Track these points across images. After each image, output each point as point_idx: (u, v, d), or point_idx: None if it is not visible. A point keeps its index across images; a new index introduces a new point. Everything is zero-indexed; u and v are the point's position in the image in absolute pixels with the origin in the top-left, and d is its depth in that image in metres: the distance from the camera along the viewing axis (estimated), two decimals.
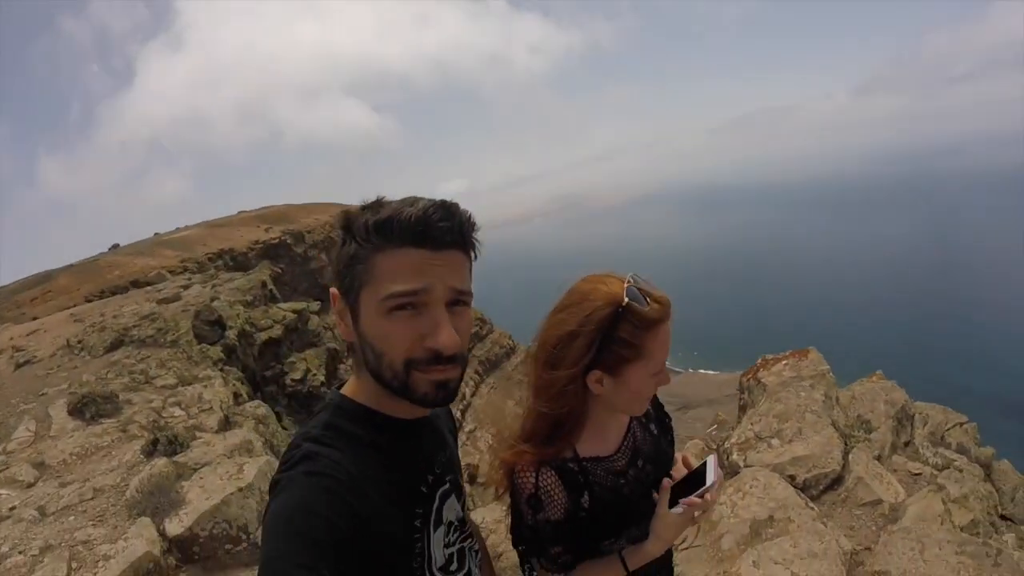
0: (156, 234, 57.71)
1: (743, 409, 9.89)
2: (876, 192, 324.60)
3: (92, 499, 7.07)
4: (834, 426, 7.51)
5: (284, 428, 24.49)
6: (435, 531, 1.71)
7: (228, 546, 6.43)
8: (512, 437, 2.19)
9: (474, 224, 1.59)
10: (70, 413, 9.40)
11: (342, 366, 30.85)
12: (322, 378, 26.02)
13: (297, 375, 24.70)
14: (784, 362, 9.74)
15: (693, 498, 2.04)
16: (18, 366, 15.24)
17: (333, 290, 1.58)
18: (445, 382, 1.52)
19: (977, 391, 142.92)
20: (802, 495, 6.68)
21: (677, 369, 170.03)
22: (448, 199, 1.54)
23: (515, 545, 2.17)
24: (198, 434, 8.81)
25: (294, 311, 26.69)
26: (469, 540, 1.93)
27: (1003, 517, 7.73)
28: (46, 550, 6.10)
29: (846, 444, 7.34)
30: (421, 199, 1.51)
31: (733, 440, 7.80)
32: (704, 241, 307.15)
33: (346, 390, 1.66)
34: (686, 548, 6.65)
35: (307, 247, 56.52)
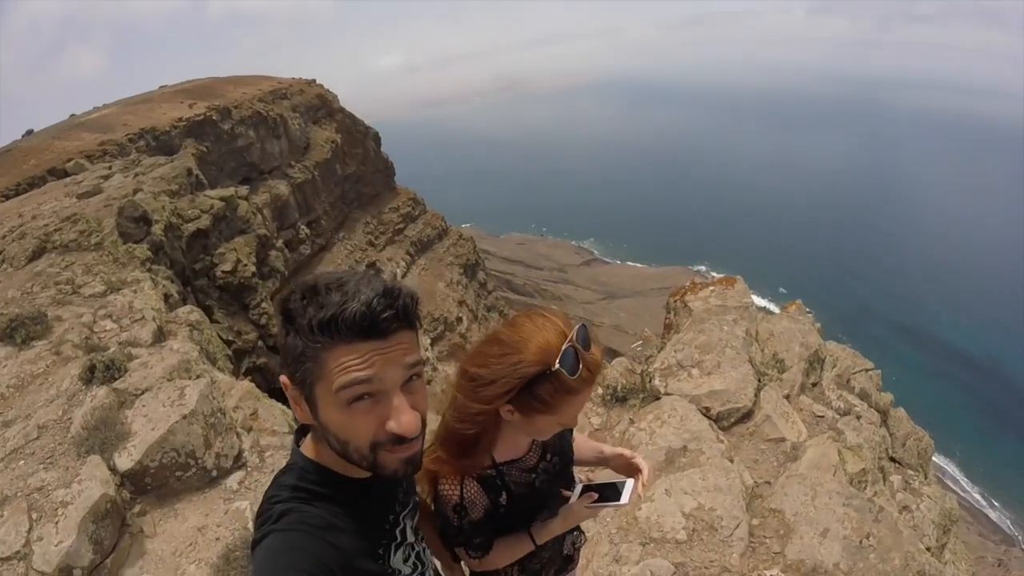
0: (72, 115, 53.77)
1: (668, 328, 10.39)
2: (818, 110, 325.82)
3: (38, 439, 7.04)
4: (751, 363, 8.02)
5: (216, 322, 24.46)
6: (397, 552, 1.88)
7: (178, 473, 6.61)
8: (432, 443, 2.41)
9: (417, 299, 1.61)
10: (0, 340, 9.22)
11: (272, 253, 30.47)
12: (253, 268, 25.72)
13: (227, 267, 24.41)
14: (711, 288, 10.21)
15: (604, 507, 2.47)
16: None
17: (283, 378, 1.63)
18: (411, 457, 1.59)
19: (883, 313, 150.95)
20: (715, 427, 7.26)
21: (606, 259, 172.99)
22: (388, 282, 1.58)
23: (441, 539, 2.47)
24: (133, 352, 8.77)
25: (222, 199, 26.00)
26: (421, 539, 2.12)
27: (892, 459, 8.54)
28: (3, 503, 6.14)
29: (759, 381, 7.90)
30: (361, 286, 1.51)
31: (656, 365, 8.28)
32: (644, 136, 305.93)
33: (307, 451, 1.72)
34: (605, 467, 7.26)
35: (234, 123, 53.75)
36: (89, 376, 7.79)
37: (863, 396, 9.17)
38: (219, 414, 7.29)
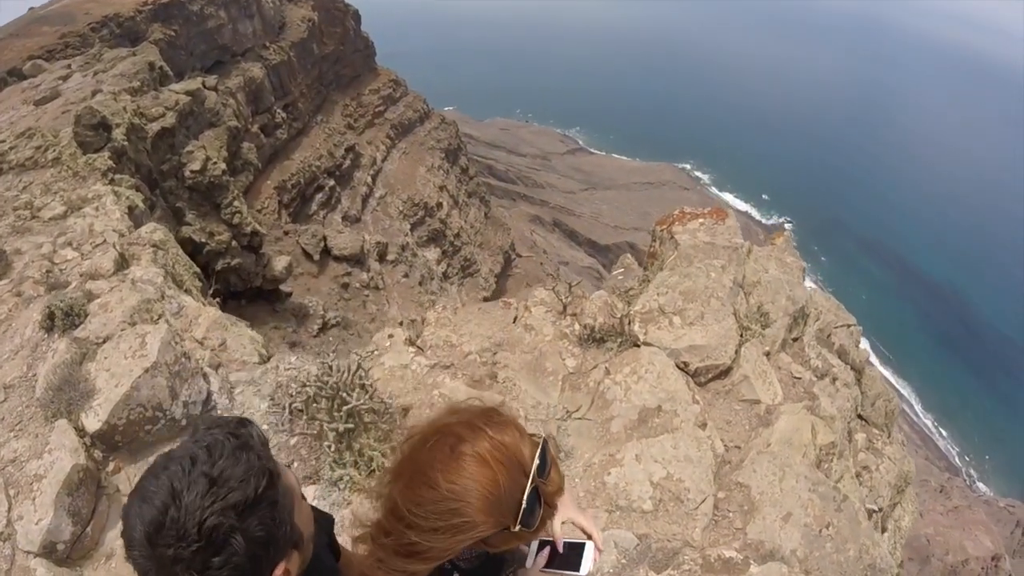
0: (31, 9, 50.66)
1: (652, 257, 10.12)
2: (823, 20, 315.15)
3: (5, 400, 6.93)
4: (735, 315, 7.80)
5: (187, 224, 23.97)
6: None
7: (148, 427, 6.46)
8: (372, 539, 1.93)
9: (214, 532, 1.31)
10: None
11: (245, 145, 29.63)
12: (223, 166, 24.94)
13: (196, 166, 23.52)
14: (700, 220, 9.86)
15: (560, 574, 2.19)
16: None
17: None
18: None
19: (857, 230, 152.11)
20: (691, 385, 7.11)
21: (591, 150, 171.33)
22: (167, 509, 1.30)
23: None
24: (93, 290, 8.51)
25: (188, 92, 24.87)
26: None
27: (860, 416, 8.55)
28: None
29: (741, 336, 7.71)
30: (134, 514, 1.31)
31: (637, 307, 8.01)
32: (640, 23, 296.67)
33: None
34: (578, 419, 7.23)
35: (203, 3, 51.06)
36: (49, 324, 7.56)
37: (841, 353, 9.08)
38: (183, 359, 7.07)
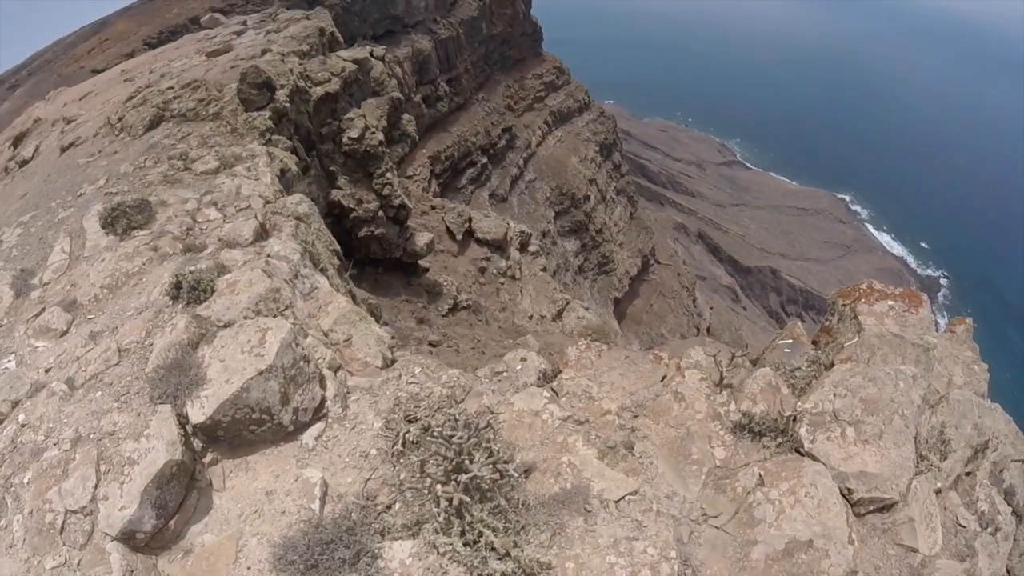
0: None
1: (826, 333, 8.96)
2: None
3: (118, 364, 6.95)
4: (915, 441, 6.72)
5: (339, 188, 24.24)
6: None
7: (252, 428, 6.31)
8: None
9: None
10: (103, 227, 8.95)
11: (404, 117, 29.81)
12: (381, 136, 25.03)
13: (354, 133, 23.61)
14: (890, 303, 8.60)
15: None
16: (63, 150, 14.89)
17: None
18: None
19: (1010, 291, 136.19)
20: (849, 520, 6.09)
21: (748, 164, 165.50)
22: None
23: None
24: (226, 261, 8.33)
25: (355, 61, 24.91)
26: None
27: (1007, 571, 7.25)
28: (76, 443, 6.11)
29: (917, 466, 6.60)
30: None
31: (808, 405, 7.00)
32: (820, 39, 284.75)
33: None
34: (715, 527, 6.28)
35: None
36: (176, 293, 7.58)
37: (1010, 494, 7.74)
38: (302, 363, 6.78)
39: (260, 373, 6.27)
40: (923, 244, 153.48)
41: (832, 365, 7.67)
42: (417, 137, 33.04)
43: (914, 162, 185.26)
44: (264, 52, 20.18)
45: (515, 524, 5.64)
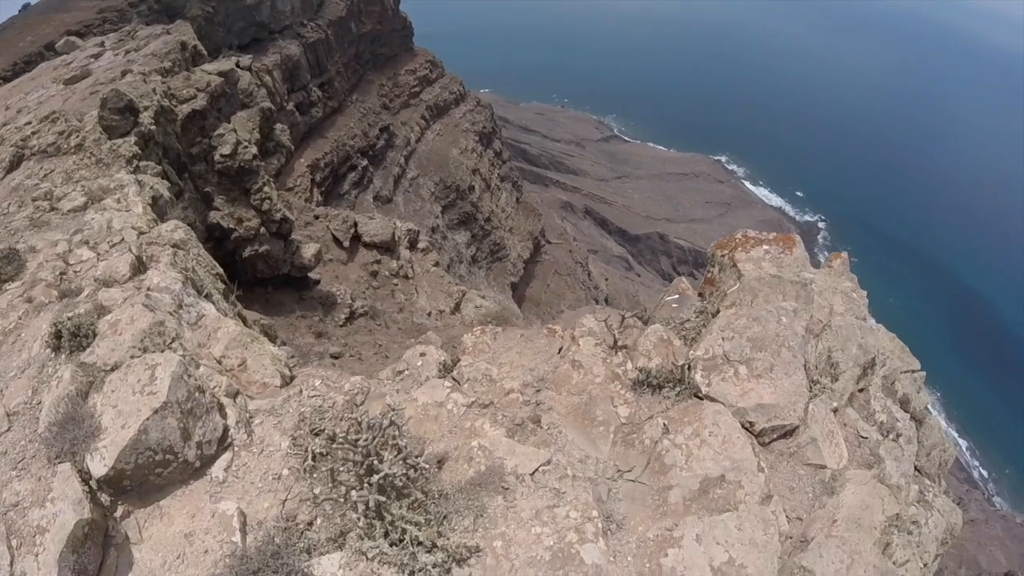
0: None
1: (709, 284, 9.32)
2: (875, 16, 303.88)
3: (8, 430, 6.65)
4: (805, 368, 7.11)
5: (216, 209, 23.46)
6: None
7: (159, 470, 6.08)
8: None
9: None
10: None
11: (278, 127, 29.12)
12: (254, 150, 24.34)
13: (227, 149, 22.83)
14: (765, 247, 9.02)
15: None
16: None
17: None
18: None
19: (886, 229, 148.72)
20: (756, 450, 6.41)
21: (626, 137, 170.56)
22: None
23: None
24: (105, 301, 7.99)
25: (220, 73, 24.07)
26: None
27: (916, 469, 7.84)
28: None
29: (811, 391, 7.01)
30: None
31: (700, 352, 7.27)
32: (680, 11, 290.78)
33: None
34: (631, 480, 6.51)
35: None
36: (56, 343, 7.22)
37: (904, 403, 8.34)
38: (197, 394, 6.58)
39: (156, 412, 6.05)
40: (798, 193, 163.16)
41: (718, 312, 7.97)
42: (293, 147, 32.39)
43: (782, 119, 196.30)
44: (124, 73, 19.29)
45: (436, 515, 5.67)
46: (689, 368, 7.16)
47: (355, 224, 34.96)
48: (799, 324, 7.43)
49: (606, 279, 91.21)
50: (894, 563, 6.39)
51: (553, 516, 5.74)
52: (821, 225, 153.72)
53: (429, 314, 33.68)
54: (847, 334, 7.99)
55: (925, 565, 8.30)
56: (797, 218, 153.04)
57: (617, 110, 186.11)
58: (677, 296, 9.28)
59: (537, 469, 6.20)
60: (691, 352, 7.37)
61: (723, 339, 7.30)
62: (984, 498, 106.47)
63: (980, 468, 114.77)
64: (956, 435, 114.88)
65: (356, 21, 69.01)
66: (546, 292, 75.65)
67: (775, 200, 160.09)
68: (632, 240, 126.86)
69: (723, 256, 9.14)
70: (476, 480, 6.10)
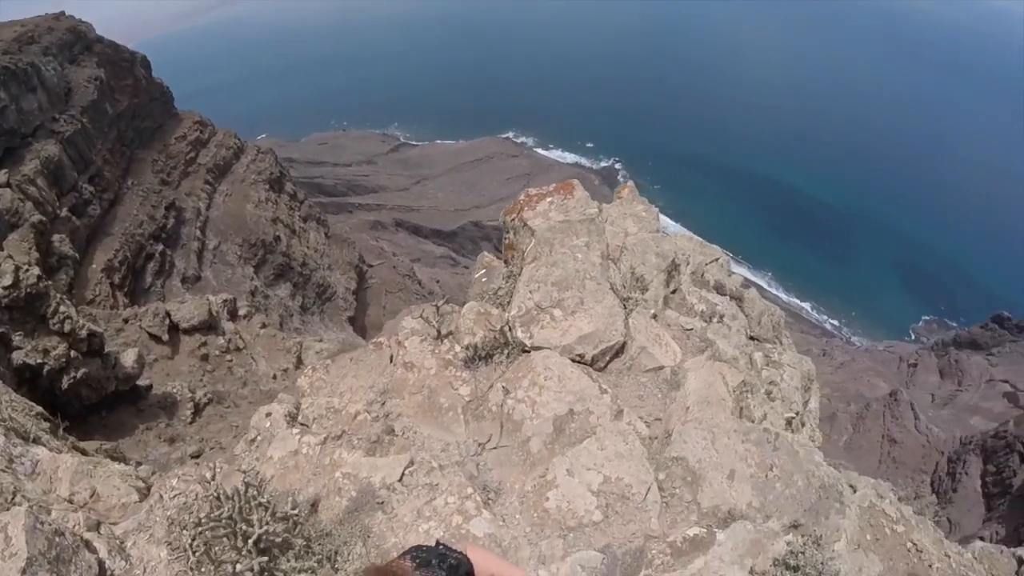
0: None
1: (509, 250, 9.77)
2: None
3: None
4: (613, 290, 7.63)
5: (17, 348, 21.52)
6: None
7: None
8: None
9: None
10: None
11: (56, 237, 27.13)
12: (37, 271, 22.49)
13: (7, 280, 20.91)
14: (549, 199, 9.53)
15: None
16: None
17: None
18: None
19: (678, 149, 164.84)
20: (594, 377, 6.87)
21: (414, 142, 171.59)
22: None
23: None
24: None
25: None
26: None
27: (751, 338, 8.66)
28: None
29: (625, 308, 7.57)
30: None
31: (514, 312, 7.65)
32: (427, 10, 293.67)
33: None
34: (493, 448, 6.83)
35: None
36: None
37: (719, 288, 9.16)
38: (58, 539, 6.18)
39: (24, 572, 5.72)
40: (588, 144, 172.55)
41: (523, 271, 8.42)
42: (78, 255, 30.19)
43: (552, 83, 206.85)
44: None
45: (326, 554, 5.67)
46: (510, 329, 7.50)
47: (167, 314, 33.03)
48: (595, 255, 7.98)
49: (437, 281, 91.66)
50: (752, 421, 7.06)
51: (434, 508, 5.93)
52: (618, 166, 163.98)
53: (274, 377, 32.66)
54: (643, 249, 8.66)
55: (796, 414, 9.20)
56: (594, 167, 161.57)
57: (398, 118, 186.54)
58: (484, 270, 9.71)
59: (404, 474, 6.35)
60: (507, 315, 7.73)
61: (530, 292, 7.70)
62: (844, 342, 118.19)
63: (829, 320, 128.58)
64: (798, 301, 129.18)
65: (110, 100, 64.58)
66: (384, 314, 75.02)
67: (569, 157, 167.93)
68: (449, 236, 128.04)
69: (513, 220, 9.58)
70: (352, 507, 6.18)
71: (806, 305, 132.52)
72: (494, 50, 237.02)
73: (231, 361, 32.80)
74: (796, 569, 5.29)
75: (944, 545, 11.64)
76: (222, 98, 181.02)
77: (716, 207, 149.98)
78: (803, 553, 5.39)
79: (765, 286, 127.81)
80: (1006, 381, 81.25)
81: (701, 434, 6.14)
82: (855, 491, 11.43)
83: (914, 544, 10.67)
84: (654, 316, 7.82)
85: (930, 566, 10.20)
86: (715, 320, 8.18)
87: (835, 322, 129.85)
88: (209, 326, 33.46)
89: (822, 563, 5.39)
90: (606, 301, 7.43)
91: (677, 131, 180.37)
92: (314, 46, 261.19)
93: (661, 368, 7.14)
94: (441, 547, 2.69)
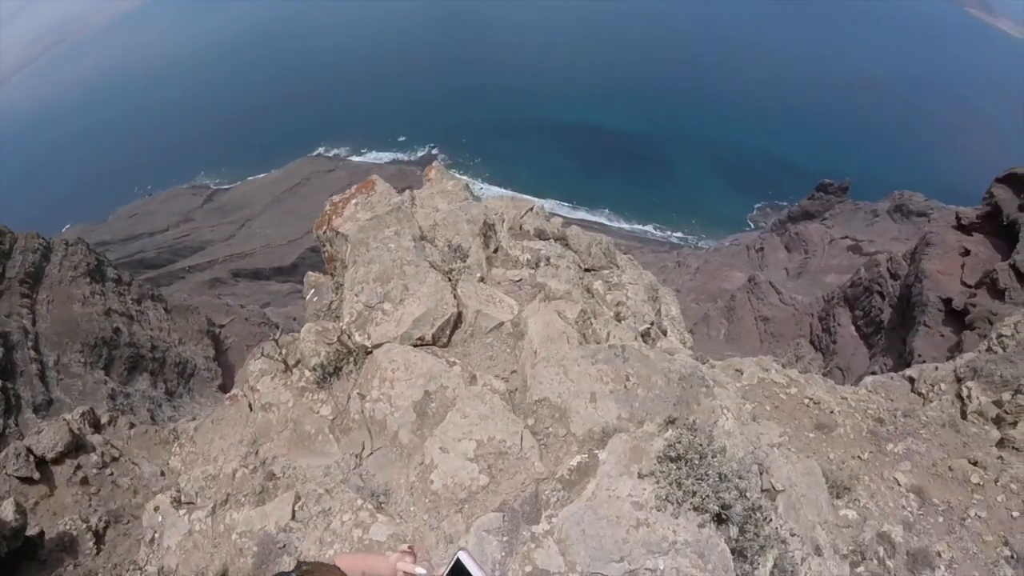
0: None
1: (330, 261, 9.65)
2: None
3: None
4: (434, 267, 7.69)
5: None
6: None
7: None
8: None
9: None
10: None
11: None
12: None
13: None
14: (354, 201, 9.47)
15: None
16: None
17: None
18: None
19: (481, 119, 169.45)
20: (438, 353, 6.96)
21: (226, 186, 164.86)
22: None
23: None
24: None
25: None
26: None
27: (587, 270, 8.94)
28: None
29: (451, 280, 7.64)
30: None
31: (346, 319, 7.62)
32: (214, 37, 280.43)
33: None
34: (369, 455, 6.78)
35: None
36: None
37: (540, 234, 9.37)
38: None
39: None
40: (400, 139, 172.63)
41: (346, 278, 8.36)
42: None
43: (344, 89, 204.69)
44: None
45: None
46: (348, 337, 7.49)
47: (28, 450, 30.31)
48: (406, 240, 8.01)
49: (294, 319, 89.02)
50: (598, 340, 7.33)
51: (333, 532, 5.91)
52: (435, 151, 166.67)
53: (162, 473, 30.73)
54: (454, 220, 8.75)
55: (651, 324, 9.61)
56: (412, 159, 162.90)
57: (202, 166, 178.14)
58: (313, 289, 9.56)
59: (294, 511, 6.34)
60: (342, 324, 7.69)
61: (356, 295, 7.70)
62: (694, 248, 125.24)
63: (673, 234, 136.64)
64: (640, 226, 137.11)
65: None
66: None
67: (386, 156, 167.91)
68: (291, 270, 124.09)
69: (326, 231, 9.47)
70: (258, 562, 6.15)
71: (649, 227, 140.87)
72: (279, 70, 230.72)
73: (112, 474, 30.52)
74: (677, 458, 5.53)
75: (838, 391, 12.68)
76: (9, 200, 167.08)
77: (538, 163, 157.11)
78: (680, 442, 5.63)
79: (606, 222, 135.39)
80: (845, 237, 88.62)
81: (553, 371, 6.32)
82: (742, 373, 12.20)
83: (810, 399, 11.56)
84: (481, 279, 7.95)
85: (831, 412, 11.11)
86: (542, 264, 8.40)
87: (680, 234, 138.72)
88: (77, 446, 30.82)
89: (702, 445, 5.65)
90: (429, 280, 7.50)
91: (482, 103, 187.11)
92: (85, 116, 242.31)
93: (501, 324, 7.29)
94: (304, 565, 2.65)
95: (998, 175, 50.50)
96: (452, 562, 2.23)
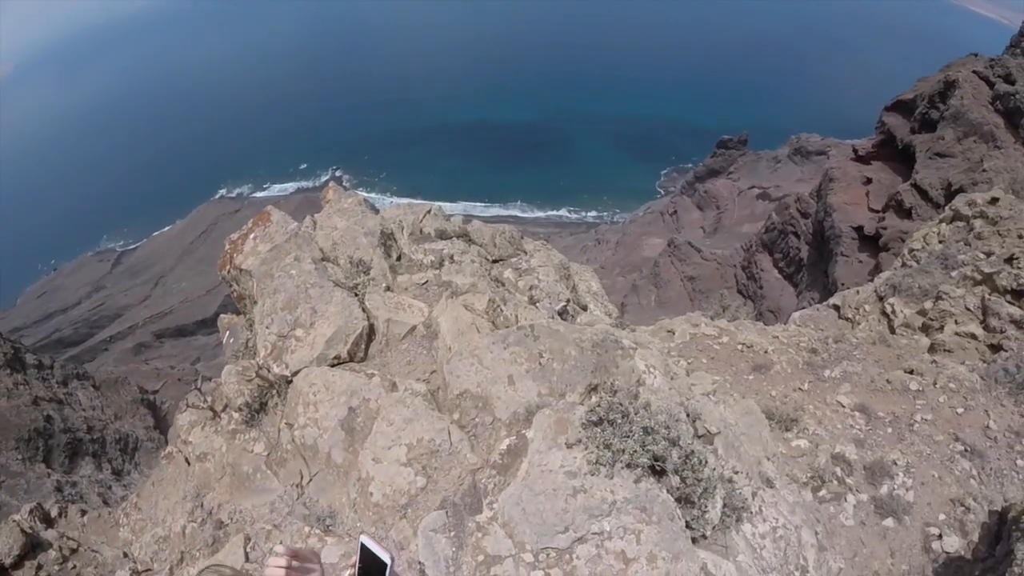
0: None
1: (240, 300, 9.60)
2: None
3: None
4: (338, 285, 7.74)
5: None
6: None
7: None
8: None
9: None
10: None
11: None
12: None
13: None
14: (252, 236, 9.44)
15: None
16: None
17: None
18: None
19: (376, 136, 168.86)
20: (356, 368, 7.03)
21: (132, 245, 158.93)
22: None
23: None
24: None
25: None
26: None
27: (495, 261, 9.08)
28: None
29: (356, 294, 7.70)
30: None
31: (262, 352, 7.65)
32: (93, 92, 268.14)
33: None
34: (309, 483, 6.81)
35: None
36: None
37: (441, 234, 9.47)
38: None
39: None
40: (302, 166, 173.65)
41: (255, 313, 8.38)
42: None
43: (235, 121, 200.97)
44: None
45: None
46: (267, 370, 7.50)
47: None
48: (307, 264, 8.04)
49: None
50: (508, 325, 7.47)
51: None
52: (339, 174, 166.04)
53: (124, 555, 29.73)
54: (352, 235, 8.81)
55: (567, 301, 9.82)
56: (317, 184, 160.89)
57: (103, 230, 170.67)
58: (228, 331, 9.47)
59: (247, 553, 6.35)
60: (259, 362, 7.69)
61: (267, 327, 7.72)
62: (610, 224, 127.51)
63: (587, 214, 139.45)
64: (554, 212, 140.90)
65: None
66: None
67: (290, 187, 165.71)
68: (215, 320, 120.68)
69: (229, 271, 9.42)
70: None
71: (563, 211, 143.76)
72: (164, 118, 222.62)
73: (75, 567, 29.46)
74: (600, 421, 5.68)
75: (768, 331, 13.13)
76: None
77: (443, 168, 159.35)
78: (600, 406, 5.79)
79: (520, 213, 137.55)
80: (752, 187, 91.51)
81: (468, 362, 6.45)
82: (674, 333, 12.55)
83: (743, 344, 11.94)
84: (387, 288, 8.04)
85: (765, 352, 11.50)
86: (446, 263, 8.52)
87: (594, 213, 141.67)
88: (33, 546, 29.73)
89: (623, 404, 5.81)
90: (336, 298, 7.56)
91: (377, 117, 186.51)
92: None
93: (414, 328, 7.39)
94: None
95: (886, 104, 52.79)
96: (359, 550, 2.41)
